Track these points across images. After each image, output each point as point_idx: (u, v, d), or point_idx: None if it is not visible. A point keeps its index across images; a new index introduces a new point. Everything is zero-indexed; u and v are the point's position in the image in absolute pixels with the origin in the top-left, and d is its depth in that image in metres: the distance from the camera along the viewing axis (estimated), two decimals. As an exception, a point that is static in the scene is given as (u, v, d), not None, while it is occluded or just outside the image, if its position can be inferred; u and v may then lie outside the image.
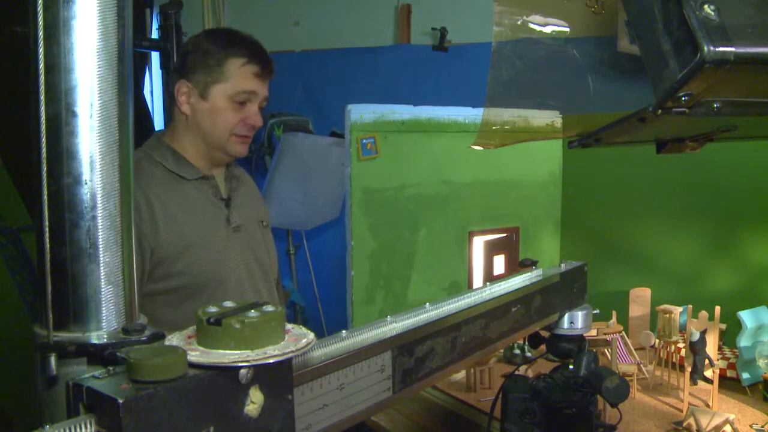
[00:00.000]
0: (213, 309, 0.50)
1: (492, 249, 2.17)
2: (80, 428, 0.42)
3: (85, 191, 0.53)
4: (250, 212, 1.60)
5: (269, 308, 0.51)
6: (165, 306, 1.37)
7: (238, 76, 1.43)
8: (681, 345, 1.65)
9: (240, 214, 1.54)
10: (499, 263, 2.19)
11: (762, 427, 1.43)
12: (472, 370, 1.70)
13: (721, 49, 0.57)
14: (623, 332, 1.85)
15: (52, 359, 0.51)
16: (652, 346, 1.80)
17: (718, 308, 1.54)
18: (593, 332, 1.73)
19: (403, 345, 0.71)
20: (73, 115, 0.52)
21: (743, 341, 1.60)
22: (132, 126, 0.57)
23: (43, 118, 0.51)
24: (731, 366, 1.69)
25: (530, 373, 1.71)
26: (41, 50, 0.51)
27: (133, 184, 0.58)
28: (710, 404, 1.54)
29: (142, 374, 0.43)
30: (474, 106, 2.17)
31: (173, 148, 1.47)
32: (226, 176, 1.56)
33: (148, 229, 1.34)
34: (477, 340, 0.85)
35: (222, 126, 1.45)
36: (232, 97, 1.44)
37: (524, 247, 2.32)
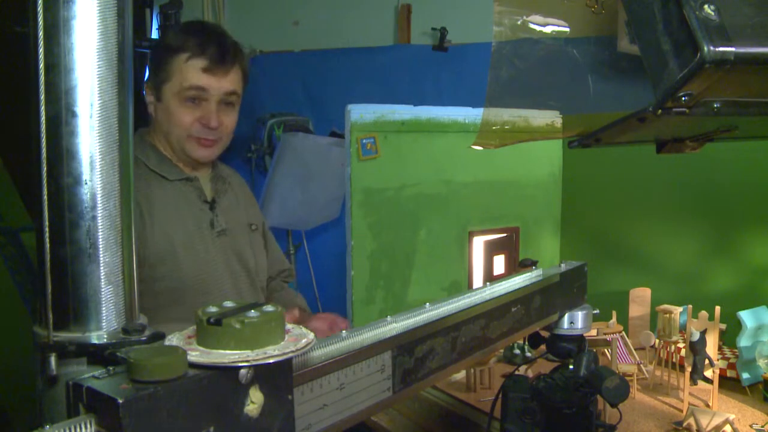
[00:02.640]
0: (213, 309, 0.50)
1: (492, 249, 2.17)
2: (80, 428, 0.42)
3: (85, 191, 0.53)
4: (238, 216, 1.55)
5: (269, 308, 0.51)
6: (150, 310, 1.33)
7: (183, 72, 1.36)
8: (681, 345, 1.65)
9: (225, 218, 1.49)
10: (499, 263, 2.19)
11: (762, 427, 1.43)
12: (472, 370, 1.70)
13: (721, 49, 0.57)
14: (623, 332, 1.85)
15: (52, 359, 0.51)
16: (652, 346, 1.80)
17: (718, 308, 1.54)
18: (593, 332, 1.73)
19: (403, 345, 0.71)
20: (73, 115, 0.52)
21: (743, 341, 1.60)
22: (132, 126, 0.57)
23: (43, 118, 0.51)
24: (731, 366, 1.69)
25: (530, 373, 1.71)
26: (41, 50, 0.51)
27: (132, 184, 0.58)
28: (710, 404, 1.54)
29: (142, 374, 0.43)
30: (474, 106, 2.17)
31: (156, 146, 1.43)
32: (211, 177, 1.51)
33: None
34: (477, 340, 0.85)
35: (177, 127, 1.39)
36: (179, 94, 1.36)
37: (524, 247, 2.32)
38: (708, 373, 1.51)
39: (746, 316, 1.62)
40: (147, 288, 1.32)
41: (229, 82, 1.40)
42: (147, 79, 1.42)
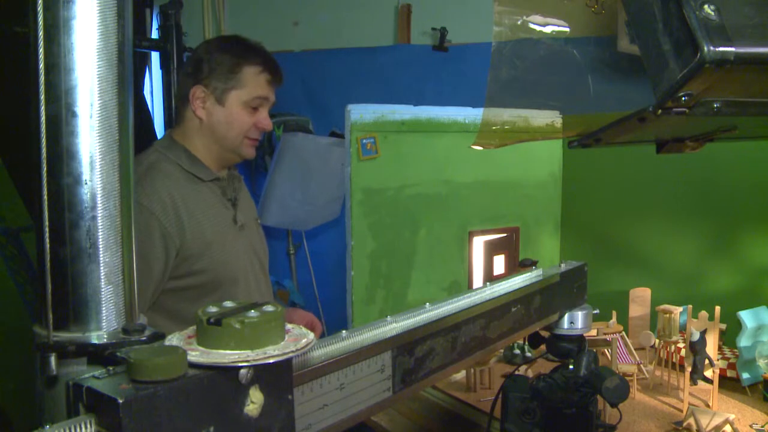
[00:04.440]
0: (213, 309, 0.50)
1: (492, 249, 2.17)
2: (80, 428, 0.42)
3: (85, 191, 0.53)
4: (248, 211, 1.68)
5: (269, 308, 0.51)
6: (185, 300, 1.45)
7: (254, 83, 1.52)
8: (681, 345, 1.65)
9: (243, 214, 1.62)
10: (499, 263, 2.19)
11: (762, 427, 1.43)
12: (472, 370, 1.70)
13: (721, 49, 0.57)
14: (623, 332, 1.85)
15: (52, 359, 0.51)
16: (652, 346, 1.80)
17: (718, 308, 1.54)
18: (593, 332, 1.73)
19: (403, 345, 0.71)
20: (73, 115, 0.52)
21: (743, 341, 1.60)
22: (132, 126, 0.57)
23: (43, 118, 0.51)
24: (731, 366, 1.69)
25: (530, 373, 1.71)
26: (41, 50, 0.51)
27: (133, 184, 0.57)
28: (710, 404, 1.54)
29: (142, 374, 0.43)
30: (474, 106, 2.17)
31: (187, 148, 1.54)
32: (228, 177, 1.63)
33: (174, 229, 1.41)
34: (477, 340, 0.85)
35: (237, 130, 1.53)
36: (247, 102, 1.52)
37: (524, 247, 2.32)
38: (708, 373, 1.51)
39: (746, 316, 1.62)
40: (188, 281, 1.45)
41: (275, 94, 1.59)
42: (201, 84, 1.51)
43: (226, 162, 1.59)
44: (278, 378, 0.50)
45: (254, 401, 0.49)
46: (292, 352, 0.49)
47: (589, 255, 2.31)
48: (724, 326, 1.71)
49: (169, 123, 3.04)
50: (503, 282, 0.96)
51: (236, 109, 1.52)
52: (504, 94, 0.96)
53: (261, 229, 1.74)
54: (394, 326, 0.72)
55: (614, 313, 1.93)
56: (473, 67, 2.74)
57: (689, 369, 1.50)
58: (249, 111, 1.53)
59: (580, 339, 1.13)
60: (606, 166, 2.30)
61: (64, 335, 0.52)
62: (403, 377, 0.71)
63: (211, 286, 1.48)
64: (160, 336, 0.53)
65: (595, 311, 1.15)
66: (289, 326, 0.53)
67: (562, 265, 1.13)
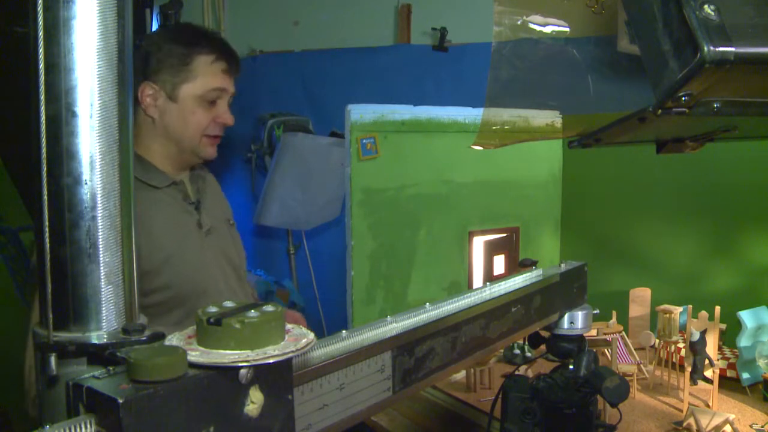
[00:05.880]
0: (213, 309, 0.50)
1: (492, 249, 2.17)
2: (80, 428, 0.42)
3: (85, 191, 0.53)
4: (217, 213, 1.55)
5: (269, 308, 0.51)
6: (150, 318, 1.33)
7: (208, 73, 1.37)
8: (681, 345, 1.65)
9: (209, 217, 1.49)
10: (499, 263, 2.19)
11: (762, 427, 1.43)
12: (472, 370, 1.70)
13: (721, 49, 0.57)
14: (623, 332, 1.85)
15: (52, 359, 0.51)
16: (652, 346, 1.80)
17: (718, 308, 1.54)
18: (593, 332, 1.73)
19: (403, 345, 0.71)
20: (73, 115, 0.52)
21: (743, 341, 1.60)
22: (132, 126, 0.57)
23: (43, 118, 0.51)
24: (731, 366, 1.69)
25: (530, 373, 1.71)
26: (41, 50, 0.51)
27: (132, 184, 0.57)
28: (710, 404, 1.54)
29: (142, 374, 0.43)
30: (474, 106, 2.17)
31: (139, 154, 1.38)
32: (191, 178, 1.51)
33: None
34: (477, 340, 0.85)
35: (194, 127, 1.39)
36: (202, 96, 1.37)
37: (524, 247, 2.32)
38: (708, 373, 1.51)
39: (746, 316, 1.62)
40: (148, 299, 1.31)
41: (234, 85, 1.44)
42: (150, 79, 1.36)
43: (186, 164, 1.45)
44: (278, 378, 0.50)
45: (254, 401, 0.49)
46: (292, 352, 0.49)
47: (589, 255, 2.31)
48: (724, 326, 1.71)
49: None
50: (503, 282, 0.96)
51: (190, 105, 1.36)
52: (504, 94, 0.96)
53: (235, 231, 1.59)
54: (394, 326, 0.72)
55: (614, 313, 1.93)
56: (473, 67, 2.73)
57: (689, 369, 1.50)
58: (205, 106, 1.37)
59: (580, 339, 1.13)
60: (606, 166, 2.30)
61: (64, 335, 0.52)
62: (403, 377, 0.71)
63: (174, 302, 1.34)
64: (160, 336, 0.53)
65: (595, 311, 1.15)
66: (289, 326, 0.53)
67: (562, 265, 1.13)
